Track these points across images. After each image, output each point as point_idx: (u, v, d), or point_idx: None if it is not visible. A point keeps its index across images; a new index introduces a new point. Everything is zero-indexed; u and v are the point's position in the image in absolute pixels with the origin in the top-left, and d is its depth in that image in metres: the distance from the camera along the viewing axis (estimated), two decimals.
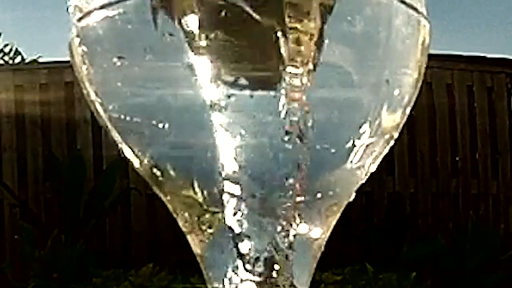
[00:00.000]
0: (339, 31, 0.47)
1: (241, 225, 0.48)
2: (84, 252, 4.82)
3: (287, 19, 0.45)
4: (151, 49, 0.47)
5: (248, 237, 0.48)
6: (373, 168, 0.51)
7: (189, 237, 0.51)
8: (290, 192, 0.48)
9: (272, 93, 0.46)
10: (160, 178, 0.50)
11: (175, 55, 0.46)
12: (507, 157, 6.43)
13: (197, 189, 0.49)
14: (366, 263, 4.54)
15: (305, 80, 0.46)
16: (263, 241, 0.48)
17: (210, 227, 0.50)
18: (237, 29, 0.45)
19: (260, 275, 0.48)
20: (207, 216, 0.49)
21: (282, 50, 0.45)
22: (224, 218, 0.48)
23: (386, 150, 0.51)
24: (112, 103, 0.49)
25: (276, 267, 0.48)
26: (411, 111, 0.51)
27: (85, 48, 0.49)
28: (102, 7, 0.47)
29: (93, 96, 0.50)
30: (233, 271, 0.49)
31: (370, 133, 0.49)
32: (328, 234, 0.51)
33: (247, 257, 0.48)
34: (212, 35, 0.45)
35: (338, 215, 0.51)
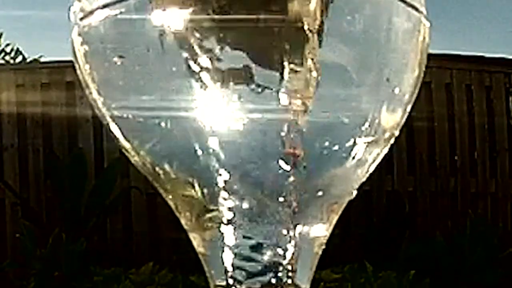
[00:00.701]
0: (339, 30, 0.47)
1: (241, 223, 0.48)
2: (85, 250, 4.80)
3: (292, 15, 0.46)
4: (153, 48, 0.47)
5: (250, 234, 0.48)
6: (374, 166, 0.51)
7: (191, 236, 0.51)
8: (291, 190, 0.48)
9: (273, 89, 0.46)
10: (162, 177, 0.50)
11: (177, 54, 0.46)
12: (505, 156, 6.42)
13: (197, 188, 0.48)
14: (366, 262, 4.50)
15: (307, 76, 0.46)
16: (264, 239, 0.48)
17: (211, 226, 0.49)
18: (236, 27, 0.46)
19: (261, 273, 0.48)
20: (208, 214, 0.49)
21: (286, 47, 0.45)
22: (224, 216, 0.48)
23: (387, 148, 0.51)
24: (114, 102, 0.50)
25: (278, 265, 0.48)
26: (411, 110, 0.51)
27: (87, 47, 0.49)
28: (104, 6, 0.48)
29: (95, 95, 0.50)
30: (235, 269, 0.49)
31: (371, 131, 0.48)
32: (329, 231, 0.51)
33: (248, 254, 0.48)
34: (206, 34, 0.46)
35: (340, 212, 0.51)
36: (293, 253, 0.49)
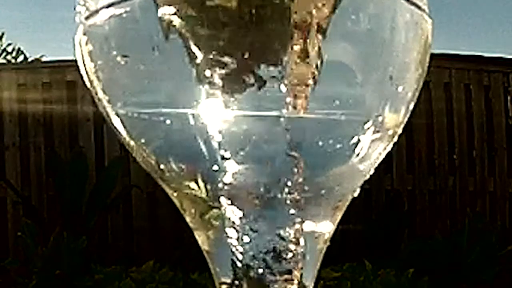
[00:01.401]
0: (342, 29, 0.46)
1: (246, 221, 0.48)
2: (86, 248, 4.78)
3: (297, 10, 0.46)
4: (158, 47, 0.46)
5: (255, 231, 0.48)
6: (377, 163, 0.51)
7: (196, 234, 0.51)
8: (295, 188, 0.47)
9: (276, 85, 0.46)
10: (167, 174, 0.49)
11: (182, 52, 0.46)
12: (503, 155, 6.44)
13: (201, 185, 0.48)
14: (365, 260, 4.50)
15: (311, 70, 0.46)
16: (269, 237, 0.48)
17: (216, 223, 0.49)
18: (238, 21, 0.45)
19: (266, 270, 0.48)
20: (213, 212, 0.49)
21: (290, 42, 0.45)
22: (229, 214, 0.48)
23: (391, 146, 0.51)
24: (119, 100, 0.49)
25: (282, 262, 0.48)
26: (414, 108, 0.51)
27: (92, 46, 0.49)
28: (109, 6, 0.47)
29: (100, 94, 0.50)
30: (240, 266, 0.49)
31: (374, 129, 0.48)
32: (334, 229, 0.51)
33: (253, 252, 0.48)
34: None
35: (344, 210, 0.51)
36: (297, 251, 0.49)
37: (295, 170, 0.47)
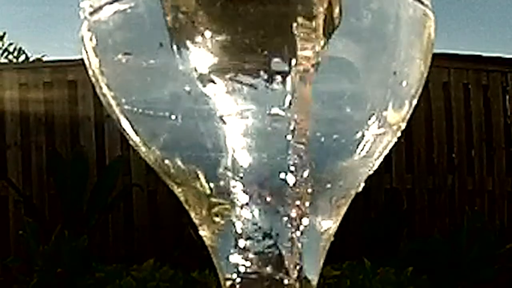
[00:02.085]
0: (346, 26, 0.46)
1: (250, 217, 0.48)
2: (87, 247, 4.79)
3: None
4: (162, 43, 0.46)
5: (260, 227, 0.48)
6: (381, 158, 0.51)
7: (200, 229, 0.51)
8: (300, 183, 0.47)
9: (280, 81, 0.46)
10: (172, 170, 0.49)
11: (185, 49, 0.46)
12: (502, 154, 6.44)
13: (206, 181, 0.48)
14: (364, 258, 4.50)
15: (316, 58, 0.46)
16: (273, 232, 0.48)
17: (221, 219, 0.49)
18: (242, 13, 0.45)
19: (271, 265, 0.48)
20: (217, 208, 0.49)
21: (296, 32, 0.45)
22: (234, 210, 0.48)
23: (394, 141, 0.51)
24: (124, 96, 0.49)
25: (287, 257, 0.49)
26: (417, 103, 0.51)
27: (96, 42, 0.49)
28: (113, 1, 0.47)
29: (105, 89, 0.50)
30: (244, 262, 0.49)
31: (378, 124, 0.48)
32: (337, 224, 0.51)
33: (258, 247, 0.48)
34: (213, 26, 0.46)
35: (347, 205, 0.51)
36: (302, 246, 0.49)
37: (300, 165, 0.47)
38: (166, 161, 0.49)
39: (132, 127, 0.50)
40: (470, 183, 6.35)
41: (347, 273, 4.45)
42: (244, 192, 0.48)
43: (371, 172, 0.51)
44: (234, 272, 0.49)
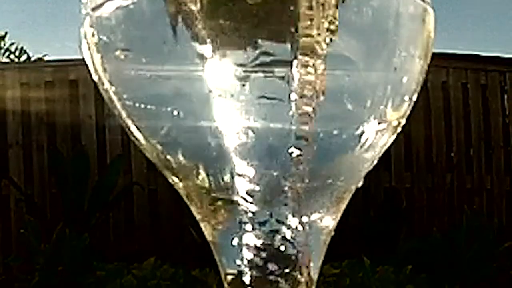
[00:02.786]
0: (346, 22, 0.46)
1: (251, 212, 0.48)
2: (88, 245, 4.78)
3: None
4: (164, 39, 0.46)
5: (261, 222, 0.48)
6: (381, 154, 0.51)
7: (201, 224, 0.51)
8: (301, 178, 0.48)
9: (283, 75, 0.45)
10: (173, 165, 0.49)
11: (188, 44, 0.46)
12: (500, 153, 6.45)
13: (208, 176, 0.48)
14: (364, 257, 4.49)
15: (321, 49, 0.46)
16: (274, 227, 0.48)
17: (222, 214, 0.49)
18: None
19: (272, 260, 0.48)
20: (218, 203, 0.49)
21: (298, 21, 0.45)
22: (235, 205, 0.48)
23: (394, 137, 0.51)
24: (126, 92, 0.49)
25: (288, 252, 0.49)
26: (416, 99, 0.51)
27: (98, 38, 0.49)
28: None
29: (107, 85, 0.49)
30: (245, 257, 0.49)
31: (379, 120, 0.48)
32: (337, 220, 0.51)
33: (259, 242, 0.49)
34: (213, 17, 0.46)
35: (347, 201, 0.51)
36: (302, 241, 0.49)
37: (301, 160, 0.47)
38: (168, 156, 0.49)
39: (134, 122, 0.50)
40: (468, 181, 6.36)
41: (346, 271, 4.43)
42: (245, 187, 0.48)
43: (371, 168, 0.51)
44: (235, 267, 0.49)
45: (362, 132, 0.48)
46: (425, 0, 0.50)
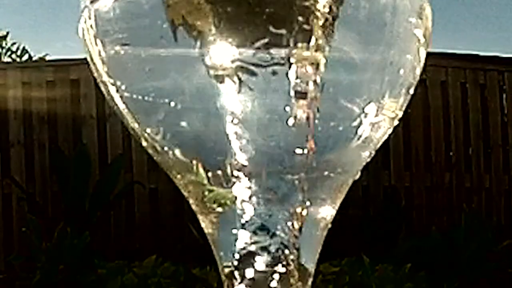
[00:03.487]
0: (343, 16, 0.46)
1: (249, 205, 0.48)
2: (89, 244, 4.78)
3: None
4: (163, 32, 0.46)
5: (258, 213, 0.48)
6: (379, 146, 0.51)
7: (200, 218, 0.51)
8: (299, 170, 0.48)
9: (282, 68, 0.45)
10: (171, 158, 0.49)
11: (186, 36, 0.46)
12: (499, 152, 6.46)
13: (205, 169, 0.48)
14: (363, 255, 4.48)
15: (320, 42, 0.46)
16: (272, 220, 0.48)
17: (220, 207, 0.49)
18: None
19: (269, 253, 0.49)
20: (216, 196, 0.49)
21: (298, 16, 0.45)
22: (233, 197, 0.48)
23: (391, 129, 0.50)
24: (124, 84, 0.49)
25: (285, 245, 0.49)
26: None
27: (97, 30, 0.49)
28: None
29: (105, 77, 0.49)
30: (243, 249, 0.49)
31: (376, 112, 0.48)
32: (335, 212, 0.51)
33: (256, 235, 0.49)
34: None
35: (344, 193, 0.51)
36: (300, 234, 0.49)
37: (299, 152, 0.47)
38: (165, 149, 0.49)
39: (131, 114, 0.50)
40: (467, 180, 6.37)
41: (346, 269, 4.42)
42: (242, 180, 0.48)
43: (368, 160, 0.51)
44: (233, 259, 0.49)
45: (359, 124, 0.48)
46: None
